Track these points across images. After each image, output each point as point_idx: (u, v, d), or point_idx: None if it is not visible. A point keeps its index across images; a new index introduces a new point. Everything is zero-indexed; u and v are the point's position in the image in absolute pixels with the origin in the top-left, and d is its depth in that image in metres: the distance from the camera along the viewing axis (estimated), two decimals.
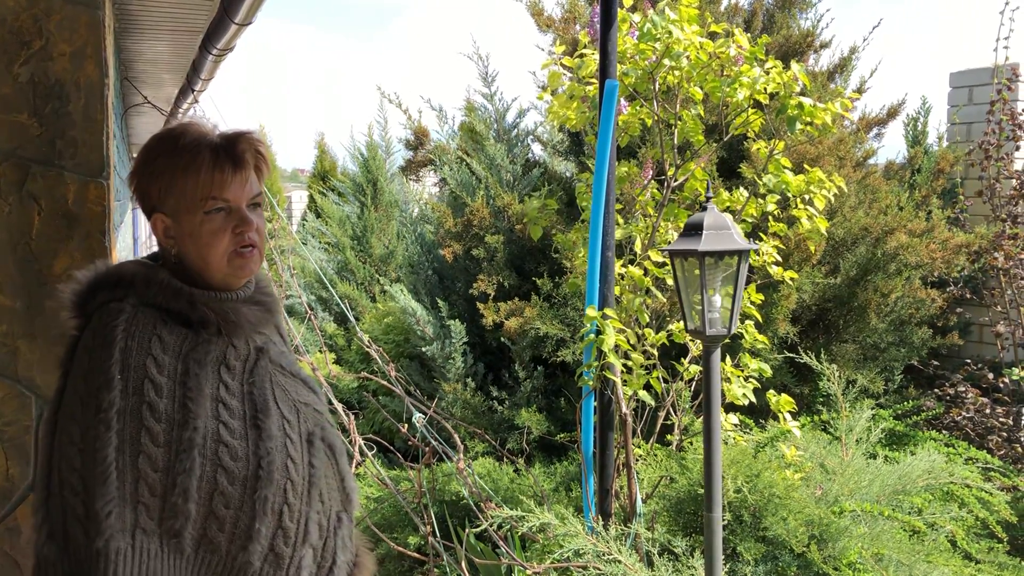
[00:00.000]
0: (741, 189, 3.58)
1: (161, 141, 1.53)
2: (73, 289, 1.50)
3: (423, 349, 5.07)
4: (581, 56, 3.37)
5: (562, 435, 4.19)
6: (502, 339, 5.02)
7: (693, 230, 2.49)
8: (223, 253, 1.49)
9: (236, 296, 1.54)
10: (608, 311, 2.93)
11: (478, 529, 3.17)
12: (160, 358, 1.40)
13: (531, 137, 5.88)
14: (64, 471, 1.37)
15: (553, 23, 5.15)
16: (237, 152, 1.51)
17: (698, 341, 3.47)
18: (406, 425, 3.84)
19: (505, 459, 4.52)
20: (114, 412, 1.34)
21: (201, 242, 1.49)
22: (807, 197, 3.34)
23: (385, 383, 4.11)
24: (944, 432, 4.77)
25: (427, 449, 3.75)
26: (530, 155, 5.81)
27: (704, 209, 2.52)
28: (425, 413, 3.91)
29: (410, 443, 3.84)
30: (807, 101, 3.17)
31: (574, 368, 4.87)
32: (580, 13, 5.12)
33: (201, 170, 1.48)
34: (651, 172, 3.82)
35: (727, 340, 2.60)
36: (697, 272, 2.48)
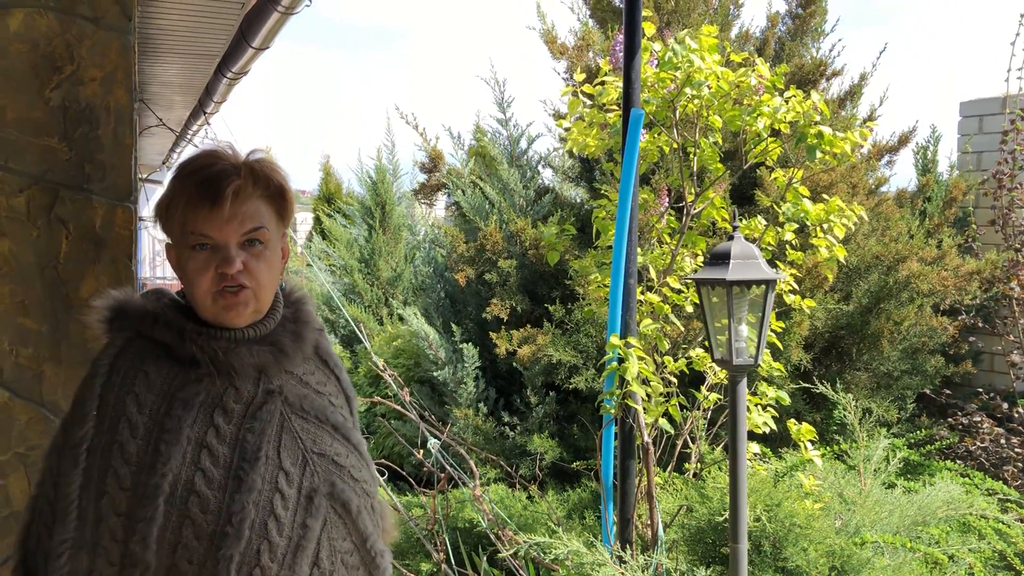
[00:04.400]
0: (759, 217, 3.58)
1: (177, 168, 1.47)
2: (99, 317, 1.45)
3: (435, 373, 5.06)
4: (602, 83, 3.39)
5: (579, 463, 4.17)
6: (514, 364, 5.01)
7: (720, 259, 2.49)
8: (206, 292, 1.39)
9: (243, 335, 1.43)
10: (631, 339, 2.93)
11: (500, 556, 3.15)
12: (143, 396, 1.34)
13: (542, 163, 5.90)
14: (40, 500, 1.35)
15: (566, 50, 5.18)
16: (220, 187, 1.39)
17: (715, 369, 3.46)
18: (421, 451, 3.82)
19: (518, 485, 4.49)
20: (84, 448, 1.31)
21: (187, 279, 1.42)
22: (826, 226, 3.34)
23: (399, 407, 4.10)
24: (958, 462, 4.76)
25: (442, 475, 3.73)
26: (541, 180, 5.83)
27: (732, 238, 2.53)
28: (439, 438, 3.89)
29: (425, 468, 3.82)
30: (827, 130, 3.18)
31: (587, 395, 4.86)
32: (593, 40, 5.15)
33: (181, 204, 1.40)
34: (666, 199, 3.83)
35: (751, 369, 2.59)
36: (723, 301, 2.48)
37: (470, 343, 5.03)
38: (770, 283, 2.47)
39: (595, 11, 5.47)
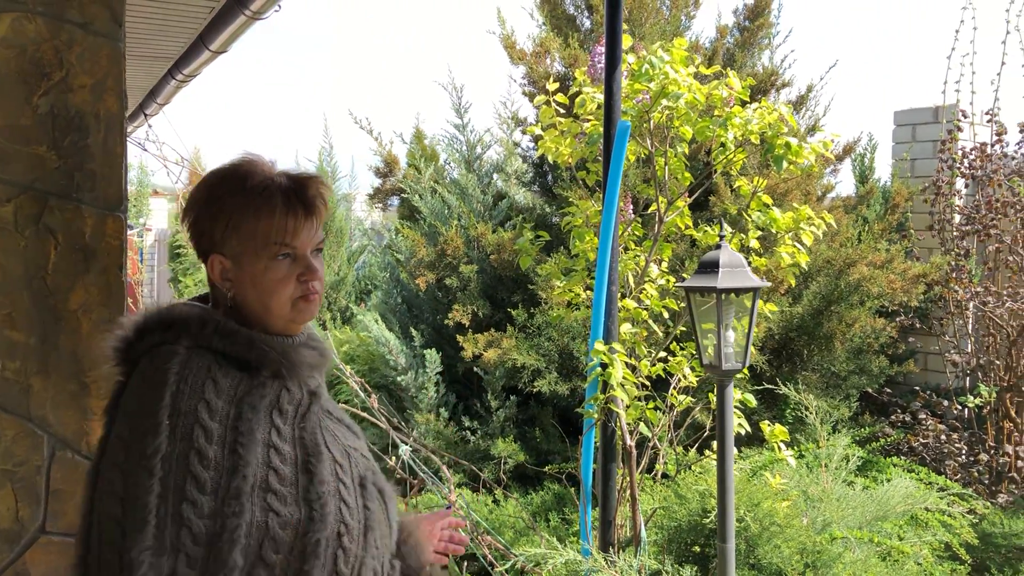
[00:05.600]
0: (725, 224, 3.68)
1: (226, 180, 1.48)
2: (117, 336, 1.44)
3: (398, 379, 5.05)
4: (577, 94, 3.44)
5: (550, 467, 4.22)
6: (474, 368, 5.03)
7: (709, 267, 2.56)
8: (287, 300, 1.47)
9: (293, 341, 1.51)
10: (616, 345, 2.99)
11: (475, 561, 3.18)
12: (213, 403, 1.36)
13: (495, 168, 5.93)
14: (104, 523, 1.31)
15: (525, 56, 5.23)
16: (309, 197, 1.47)
17: (686, 372, 3.55)
18: (393, 458, 3.83)
19: (482, 489, 4.52)
20: (159, 459, 1.30)
21: (263, 288, 1.46)
22: (791, 233, 3.45)
23: (365, 414, 4.09)
24: (902, 457, 4.97)
25: (414, 481, 3.74)
26: (496, 185, 5.87)
27: (719, 247, 2.61)
28: (408, 444, 3.90)
29: (397, 475, 3.83)
30: (794, 141, 3.29)
31: (548, 398, 4.91)
32: (551, 47, 5.21)
33: (274, 215, 1.44)
34: (630, 207, 3.91)
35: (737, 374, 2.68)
36: (711, 308, 2.55)
37: (433, 348, 5.04)
38: (756, 291, 2.56)
39: (550, 18, 5.54)
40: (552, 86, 3.51)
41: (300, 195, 1.46)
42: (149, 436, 1.31)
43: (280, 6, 3.63)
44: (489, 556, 3.17)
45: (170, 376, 1.36)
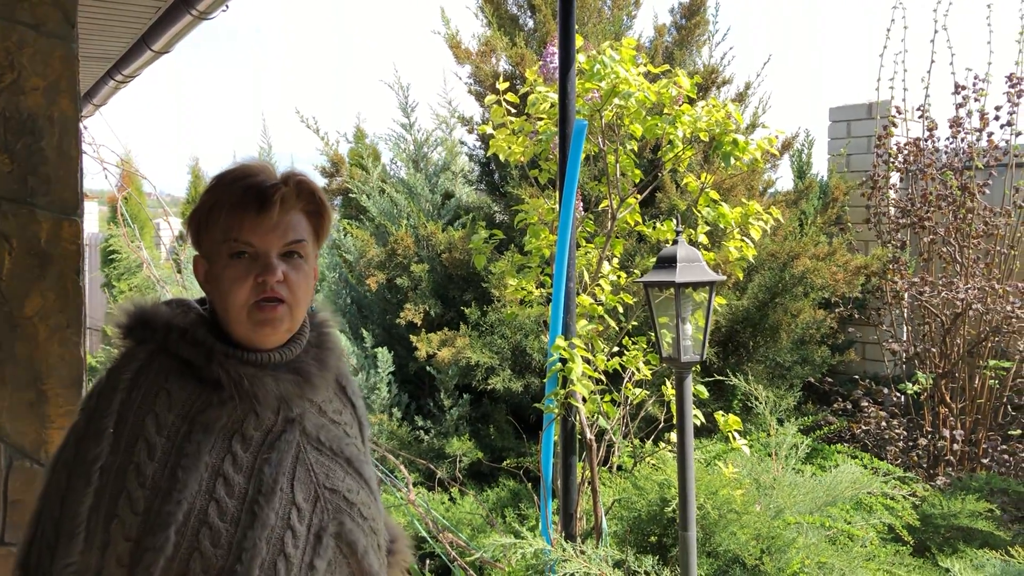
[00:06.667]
0: (674, 221, 3.76)
1: (213, 179, 1.42)
2: (119, 320, 1.38)
3: None
4: (528, 94, 3.48)
5: (508, 461, 4.25)
6: (426, 368, 5.04)
7: (667, 262, 2.62)
8: (242, 305, 1.34)
9: (269, 358, 1.37)
10: (576, 340, 3.04)
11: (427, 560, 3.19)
12: (162, 416, 1.27)
13: (442, 166, 5.95)
14: (45, 517, 1.28)
15: (471, 55, 5.25)
16: (266, 193, 1.35)
17: (639, 365, 3.61)
18: None
19: (438, 487, 4.54)
20: (97, 467, 1.25)
21: (223, 289, 1.35)
22: (739, 228, 3.54)
23: None
24: (845, 444, 5.12)
25: None
26: (447, 184, 5.88)
27: (675, 242, 2.67)
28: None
29: None
30: (741, 138, 3.37)
31: (501, 395, 4.94)
32: (496, 47, 5.25)
33: (224, 209, 1.36)
34: (581, 204, 3.96)
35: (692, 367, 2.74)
36: (669, 302, 2.61)
37: (384, 348, 5.04)
38: (713, 284, 2.63)
39: (494, 17, 5.57)
40: (503, 85, 3.54)
41: (258, 191, 1.36)
42: (92, 441, 1.27)
43: (228, 6, 3.59)
44: (452, 552, 3.19)
45: (122, 382, 1.30)
